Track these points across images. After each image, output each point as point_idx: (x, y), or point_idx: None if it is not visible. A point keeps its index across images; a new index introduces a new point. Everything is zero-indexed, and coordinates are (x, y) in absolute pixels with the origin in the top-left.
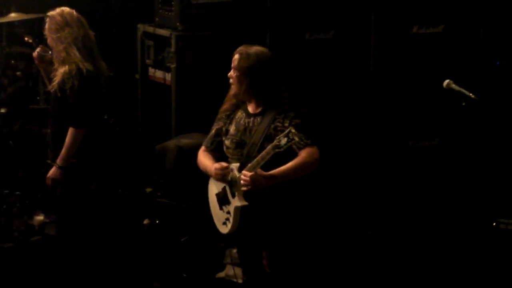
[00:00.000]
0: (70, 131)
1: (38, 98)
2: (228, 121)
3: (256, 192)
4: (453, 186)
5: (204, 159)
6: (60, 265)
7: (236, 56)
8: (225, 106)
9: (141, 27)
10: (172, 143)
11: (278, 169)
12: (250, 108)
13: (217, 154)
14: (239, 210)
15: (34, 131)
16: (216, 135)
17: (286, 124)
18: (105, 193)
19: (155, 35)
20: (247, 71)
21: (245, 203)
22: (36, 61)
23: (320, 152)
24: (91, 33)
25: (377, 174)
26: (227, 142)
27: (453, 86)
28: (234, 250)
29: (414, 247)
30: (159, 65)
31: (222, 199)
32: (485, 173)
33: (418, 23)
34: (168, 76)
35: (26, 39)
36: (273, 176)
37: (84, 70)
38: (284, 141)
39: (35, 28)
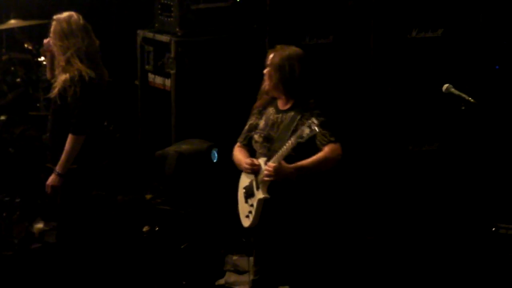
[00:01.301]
0: (70, 137)
1: (38, 105)
2: (260, 117)
3: (278, 186)
4: (453, 190)
5: (239, 154)
6: (60, 273)
7: (271, 54)
8: (258, 102)
9: (140, 33)
10: (172, 149)
11: (301, 162)
12: (280, 104)
13: (249, 148)
14: (261, 202)
15: (34, 138)
16: (249, 130)
17: (311, 121)
18: (105, 199)
19: (154, 41)
20: (278, 68)
21: (267, 196)
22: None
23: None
24: (96, 42)
25: (377, 178)
26: (255, 136)
27: (453, 90)
28: (234, 257)
29: (414, 251)
30: (158, 71)
31: (248, 192)
32: (485, 177)
33: (417, 27)
34: (168, 82)
35: (26, 45)
36: (296, 168)
37: (87, 77)
38: (307, 131)
39: (35, 34)
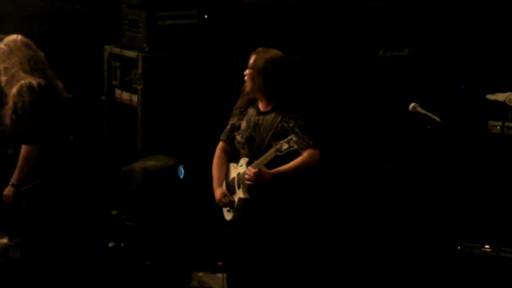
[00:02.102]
0: (23, 148)
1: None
2: (241, 117)
3: (259, 187)
4: (418, 209)
5: (216, 168)
6: None
7: (253, 56)
8: (239, 102)
9: (107, 48)
10: (138, 165)
11: (281, 168)
12: (261, 106)
13: (233, 147)
14: (241, 201)
15: None
16: (231, 130)
17: (291, 125)
18: (70, 215)
19: (121, 56)
20: (260, 71)
21: (247, 196)
22: None
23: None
24: (41, 55)
25: (343, 196)
26: (238, 137)
27: (419, 109)
28: (200, 274)
29: (378, 269)
30: (125, 87)
31: (231, 188)
32: (450, 197)
33: (384, 46)
34: (135, 98)
35: None
36: (275, 174)
37: (35, 84)
38: (285, 146)
39: None
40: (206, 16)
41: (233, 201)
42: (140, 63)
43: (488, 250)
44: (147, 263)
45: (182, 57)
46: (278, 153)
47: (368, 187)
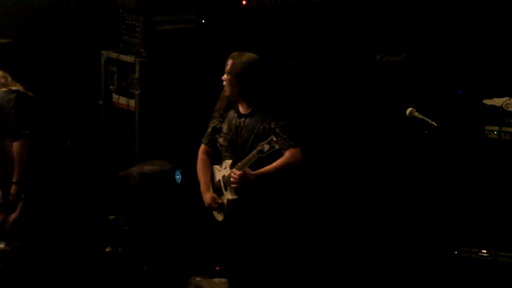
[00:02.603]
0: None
1: None
2: (222, 120)
3: (245, 187)
4: (415, 214)
5: (201, 171)
6: None
7: (229, 61)
8: (219, 105)
9: (105, 53)
10: (135, 169)
11: (264, 169)
12: (241, 109)
13: (214, 150)
14: (230, 203)
15: None
16: (212, 132)
17: (273, 126)
18: (67, 219)
19: (119, 61)
20: (239, 75)
21: (236, 197)
22: None
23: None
24: None
25: (340, 200)
26: (220, 140)
27: (416, 114)
28: (197, 278)
29: (376, 275)
30: (123, 91)
31: (217, 190)
32: (447, 201)
33: (381, 51)
34: (132, 102)
35: None
36: (259, 174)
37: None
38: (266, 147)
39: None
40: (203, 21)
41: (222, 203)
42: (137, 67)
43: (485, 254)
44: (144, 268)
45: (179, 62)
46: (260, 155)
47: (366, 192)
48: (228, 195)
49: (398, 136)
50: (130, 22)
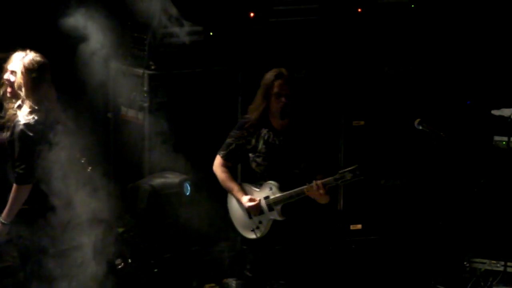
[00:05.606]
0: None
1: None
2: (250, 138)
3: (291, 208)
4: (425, 224)
5: (230, 180)
6: None
7: (284, 81)
8: (248, 123)
9: (113, 66)
10: (144, 182)
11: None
12: (275, 124)
13: (232, 165)
14: (271, 222)
15: None
16: (236, 149)
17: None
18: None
19: (127, 74)
20: (295, 96)
21: (283, 217)
22: None
23: None
24: None
25: (350, 210)
26: (258, 160)
27: (424, 125)
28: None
29: (385, 286)
30: (131, 104)
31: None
32: (457, 212)
33: (389, 63)
34: (141, 115)
35: None
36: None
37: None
38: (349, 176)
39: None
40: (211, 34)
41: (260, 221)
42: (146, 80)
43: (495, 265)
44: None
45: (187, 74)
46: (341, 182)
47: (375, 202)
48: (273, 215)
49: (406, 147)
50: (139, 35)
